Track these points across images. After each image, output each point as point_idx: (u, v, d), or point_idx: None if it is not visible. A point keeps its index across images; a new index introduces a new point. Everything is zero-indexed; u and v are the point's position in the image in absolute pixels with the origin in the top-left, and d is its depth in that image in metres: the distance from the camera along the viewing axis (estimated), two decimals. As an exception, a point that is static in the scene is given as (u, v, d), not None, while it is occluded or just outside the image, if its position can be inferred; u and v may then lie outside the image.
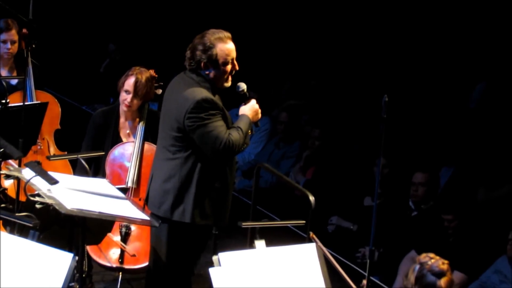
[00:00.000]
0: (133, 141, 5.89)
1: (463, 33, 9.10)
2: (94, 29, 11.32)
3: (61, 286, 3.77)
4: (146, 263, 5.41)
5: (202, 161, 4.97)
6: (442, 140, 7.83)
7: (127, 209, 4.57)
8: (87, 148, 5.93)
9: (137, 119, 5.97)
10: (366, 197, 7.43)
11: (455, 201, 6.50)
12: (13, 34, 6.42)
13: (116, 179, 5.77)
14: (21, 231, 4.44)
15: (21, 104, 5.57)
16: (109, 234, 5.30)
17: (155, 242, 5.12)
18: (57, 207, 4.31)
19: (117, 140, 5.95)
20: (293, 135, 8.64)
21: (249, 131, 5.08)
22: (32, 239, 4.07)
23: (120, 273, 5.74)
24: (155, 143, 5.37)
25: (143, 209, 4.85)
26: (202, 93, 4.92)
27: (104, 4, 11.49)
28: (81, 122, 6.57)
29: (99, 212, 4.38)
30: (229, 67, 4.99)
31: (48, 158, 5.86)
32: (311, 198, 5.51)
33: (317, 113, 8.91)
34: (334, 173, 7.95)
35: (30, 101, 6.11)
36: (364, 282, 4.63)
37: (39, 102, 6.01)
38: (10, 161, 5.30)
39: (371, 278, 4.70)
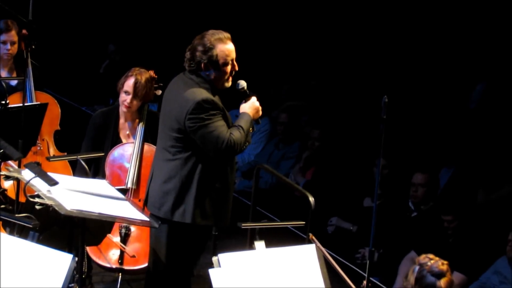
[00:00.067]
0: (133, 142, 5.88)
1: (463, 33, 9.10)
2: (93, 29, 11.31)
3: (60, 287, 3.77)
4: (146, 264, 5.40)
5: (203, 162, 4.97)
6: (442, 140, 7.83)
7: (126, 210, 4.57)
8: (87, 149, 5.93)
9: (137, 120, 5.97)
10: (365, 198, 7.43)
11: (455, 202, 6.50)
12: (13, 35, 6.42)
13: (116, 180, 5.77)
14: (20, 232, 4.44)
15: (21, 105, 5.57)
16: (109, 235, 5.31)
17: (154, 243, 5.12)
18: (56, 208, 4.31)
19: (116, 141, 5.95)
20: (293, 136, 8.64)
21: (250, 128, 5.08)
22: (32, 240, 4.07)
23: (120, 274, 5.74)
24: (154, 144, 5.37)
25: (142, 210, 4.85)
26: (202, 93, 4.92)
27: (104, 4, 11.49)
28: (81, 123, 6.57)
29: (99, 213, 4.38)
30: (229, 67, 4.99)
31: (48, 159, 5.86)
32: (311, 199, 5.51)
33: (316, 114, 8.91)
34: (334, 174, 7.95)
35: (29, 102, 6.11)
36: (364, 283, 4.63)
37: (38, 103, 6.01)
38: (10, 162, 5.30)
39: (371, 279, 4.70)
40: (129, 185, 5.77)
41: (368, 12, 9.87)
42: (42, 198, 4.36)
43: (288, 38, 10.45)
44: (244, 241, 5.76)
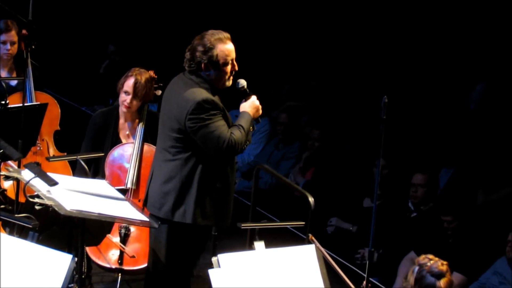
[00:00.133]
0: (133, 142, 5.88)
1: (463, 33, 9.09)
2: (93, 30, 11.31)
3: (60, 287, 3.77)
4: (146, 264, 5.40)
5: (203, 162, 4.97)
6: (441, 141, 7.83)
7: (126, 210, 4.57)
8: (87, 149, 5.93)
9: (137, 120, 5.97)
10: (365, 198, 7.43)
11: (455, 202, 6.51)
12: (13, 35, 6.42)
13: (116, 180, 5.77)
14: (20, 232, 4.44)
15: (21, 105, 5.57)
16: (109, 235, 5.31)
17: (154, 243, 5.12)
18: (56, 208, 4.32)
19: (116, 141, 5.95)
20: (293, 136, 8.64)
21: (251, 127, 5.08)
22: (32, 240, 4.07)
23: (119, 274, 5.74)
24: (154, 144, 5.37)
25: (142, 210, 4.85)
26: (202, 94, 4.92)
27: (104, 4, 11.49)
28: (81, 123, 6.57)
29: (99, 213, 4.38)
30: (229, 67, 4.99)
31: (48, 159, 5.86)
32: (311, 199, 5.51)
33: (316, 114, 8.91)
34: (334, 174, 7.95)
35: (29, 102, 6.11)
36: (364, 283, 4.63)
37: (38, 103, 6.01)
38: (10, 162, 5.30)
39: (371, 279, 4.69)
40: (129, 185, 5.77)
41: (368, 12, 9.87)
42: (41, 198, 4.36)
43: (288, 38, 10.45)
44: (243, 242, 5.77)
